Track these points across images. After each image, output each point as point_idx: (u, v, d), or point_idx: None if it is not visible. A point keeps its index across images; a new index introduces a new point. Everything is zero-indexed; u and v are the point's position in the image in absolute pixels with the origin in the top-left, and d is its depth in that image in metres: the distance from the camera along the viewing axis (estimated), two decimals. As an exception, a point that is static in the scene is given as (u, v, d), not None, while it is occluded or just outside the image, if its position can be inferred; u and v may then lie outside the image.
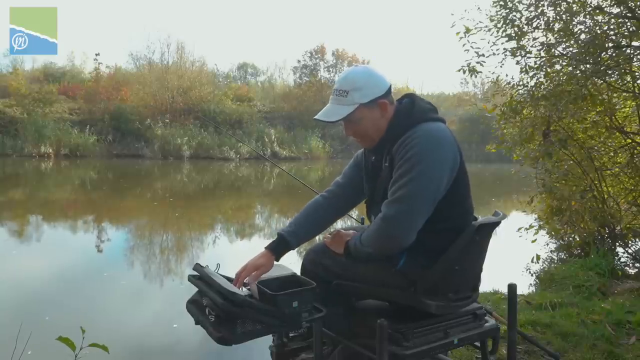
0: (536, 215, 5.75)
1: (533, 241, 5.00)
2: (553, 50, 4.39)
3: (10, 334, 2.15)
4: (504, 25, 4.51)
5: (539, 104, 4.47)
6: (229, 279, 1.70)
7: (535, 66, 4.54)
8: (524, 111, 4.73)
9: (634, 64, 4.07)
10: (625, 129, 4.45)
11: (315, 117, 1.67)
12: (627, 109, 4.56)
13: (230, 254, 5.94)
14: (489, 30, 4.64)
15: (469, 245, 1.59)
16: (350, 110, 1.59)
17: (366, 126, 1.63)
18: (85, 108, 21.65)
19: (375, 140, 1.66)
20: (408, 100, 1.68)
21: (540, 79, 4.63)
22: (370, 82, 1.61)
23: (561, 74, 4.49)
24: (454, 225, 1.58)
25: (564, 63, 4.42)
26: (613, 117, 4.36)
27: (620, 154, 4.63)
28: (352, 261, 1.76)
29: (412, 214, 1.48)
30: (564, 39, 4.30)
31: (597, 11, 4.07)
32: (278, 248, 1.76)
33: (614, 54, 3.95)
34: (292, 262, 1.98)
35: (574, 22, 4.18)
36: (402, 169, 1.50)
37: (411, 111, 1.61)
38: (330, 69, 29.23)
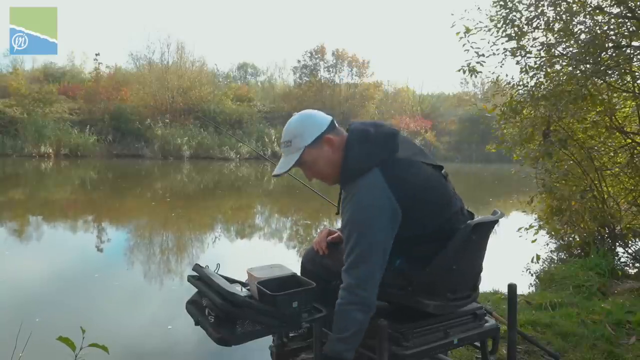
0: (536, 215, 5.75)
1: (533, 241, 5.00)
2: (553, 50, 4.38)
3: (10, 334, 2.14)
4: (504, 25, 4.51)
5: (539, 104, 4.47)
6: (228, 280, 1.70)
7: (535, 66, 4.54)
8: (524, 111, 4.73)
9: (634, 64, 4.07)
10: (625, 129, 4.45)
11: (273, 174, 1.75)
12: (627, 109, 4.56)
13: (230, 254, 5.94)
14: (489, 30, 4.64)
15: (466, 245, 1.59)
16: (297, 155, 1.63)
17: (320, 165, 1.66)
18: (85, 108, 21.68)
19: (336, 175, 1.66)
20: (347, 142, 1.63)
21: (540, 79, 4.62)
22: (307, 125, 1.65)
23: (561, 74, 4.49)
24: (443, 230, 1.60)
25: (564, 63, 4.42)
26: (613, 117, 4.36)
27: (620, 154, 4.62)
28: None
29: (368, 272, 1.51)
30: (564, 39, 4.29)
31: (597, 11, 4.07)
32: None
33: (614, 54, 3.95)
34: (292, 262, 1.98)
35: (574, 22, 4.18)
36: (345, 235, 1.56)
37: (346, 163, 1.60)
38: (330, 69, 29.26)
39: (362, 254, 1.50)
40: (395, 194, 1.52)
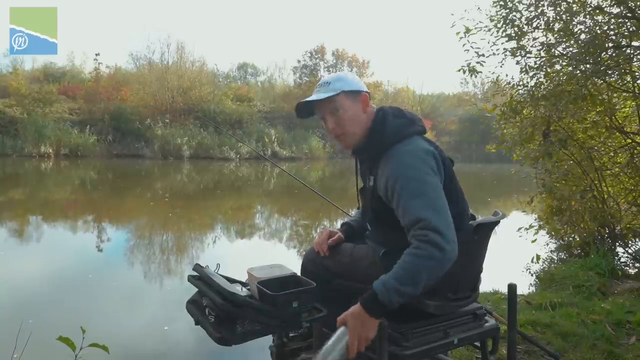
0: (536, 215, 5.75)
1: (533, 241, 5.00)
2: (553, 50, 4.38)
3: (9, 334, 2.14)
4: (504, 25, 4.51)
5: (539, 104, 4.47)
6: (228, 279, 1.70)
7: (535, 66, 4.54)
8: (524, 111, 4.73)
9: (634, 64, 4.07)
10: (625, 129, 4.45)
11: (300, 101, 1.68)
12: (627, 109, 4.56)
13: (231, 254, 5.94)
14: (489, 30, 4.64)
15: (468, 245, 1.59)
16: (331, 94, 1.59)
17: (347, 117, 1.61)
18: (85, 108, 21.68)
19: (355, 137, 1.64)
20: (380, 115, 1.65)
21: (540, 79, 4.62)
22: (353, 78, 1.68)
23: (561, 74, 4.49)
24: (455, 223, 1.58)
25: (564, 63, 4.42)
26: (613, 117, 4.36)
27: (620, 154, 4.62)
28: (352, 261, 1.76)
29: (448, 228, 1.40)
30: (564, 39, 4.29)
31: (597, 11, 4.07)
32: (347, 230, 1.91)
33: (614, 54, 3.95)
34: (292, 262, 1.98)
35: (574, 22, 4.18)
36: (404, 198, 1.45)
37: (383, 130, 1.60)
38: (330, 69, 29.28)
39: (426, 204, 1.40)
40: (441, 157, 1.56)
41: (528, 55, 4.52)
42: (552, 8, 4.29)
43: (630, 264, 4.64)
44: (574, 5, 4.15)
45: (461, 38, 4.70)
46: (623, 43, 3.90)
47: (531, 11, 4.40)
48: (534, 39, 4.54)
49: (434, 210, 1.41)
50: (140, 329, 3.36)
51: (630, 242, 4.79)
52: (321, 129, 24.56)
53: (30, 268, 4.86)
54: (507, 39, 4.52)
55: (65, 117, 20.80)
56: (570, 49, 4.28)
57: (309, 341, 1.95)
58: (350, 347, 1.39)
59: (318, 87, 1.66)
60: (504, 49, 4.58)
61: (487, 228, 1.68)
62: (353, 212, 2.23)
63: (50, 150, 18.34)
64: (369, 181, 1.67)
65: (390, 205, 1.54)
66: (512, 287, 1.86)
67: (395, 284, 1.36)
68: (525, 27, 4.46)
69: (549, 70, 4.50)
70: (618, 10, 3.98)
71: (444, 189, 1.52)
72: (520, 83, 4.81)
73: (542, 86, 4.57)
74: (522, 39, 4.49)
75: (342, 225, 1.97)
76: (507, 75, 5.04)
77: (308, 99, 1.65)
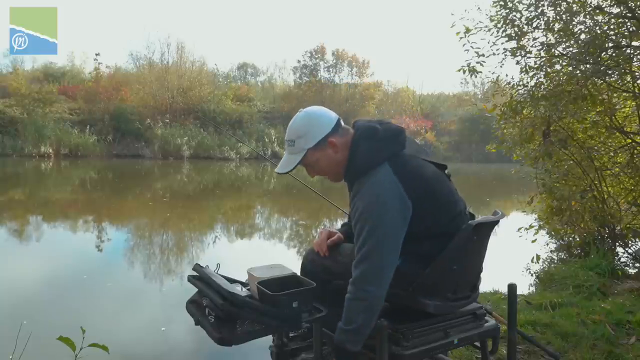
0: (536, 215, 5.75)
1: (533, 241, 5.00)
2: (553, 50, 4.38)
3: (9, 334, 2.14)
4: (504, 25, 4.51)
5: (539, 104, 4.47)
6: (228, 280, 1.70)
7: (535, 66, 4.54)
8: (524, 111, 4.73)
9: (634, 64, 4.07)
10: (625, 129, 4.45)
11: (275, 170, 1.77)
12: (627, 109, 4.56)
13: (231, 254, 5.94)
14: (489, 30, 4.64)
15: (467, 245, 1.59)
16: (300, 157, 1.66)
17: (323, 166, 1.69)
18: (85, 108, 21.66)
19: (339, 173, 1.70)
20: (354, 140, 1.65)
21: (540, 79, 4.62)
22: (311, 126, 1.66)
23: (561, 74, 4.49)
24: (447, 229, 1.60)
25: (564, 63, 4.42)
26: (613, 117, 4.36)
27: (620, 154, 4.62)
28: (351, 261, 1.76)
29: (377, 268, 1.51)
30: (564, 39, 4.29)
31: (597, 11, 4.07)
32: (347, 231, 1.91)
33: (614, 54, 3.95)
34: (292, 262, 1.98)
35: (574, 22, 4.18)
36: (357, 230, 1.56)
37: (355, 158, 1.62)
38: (330, 69, 29.28)
39: (372, 249, 1.51)
40: (405, 188, 1.54)
41: (528, 55, 4.52)
42: (552, 8, 4.29)
43: (630, 264, 4.64)
44: (574, 5, 4.14)
45: (461, 38, 4.70)
46: (623, 43, 3.90)
47: (531, 11, 4.40)
48: (534, 39, 4.54)
49: (370, 256, 1.51)
50: (140, 330, 3.35)
51: (630, 242, 4.79)
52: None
53: (29, 268, 4.86)
54: (507, 39, 4.52)
55: (65, 117, 20.79)
56: (570, 49, 4.28)
57: (309, 341, 1.95)
58: None
59: (286, 144, 1.72)
60: (504, 49, 4.58)
61: (487, 228, 1.68)
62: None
63: (50, 150, 18.33)
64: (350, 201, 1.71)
65: None
66: (512, 287, 1.86)
67: (342, 325, 1.55)
68: (525, 27, 4.46)
69: (549, 70, 4.50)
70: (618, 10, 3.98)
71: (422, 204, 1.54)
72: (520, 83, 4.81)
73: (542, 86, 4.57)
74: (522, 39, 4.49)
75: (343, 225, 1.98)
76: (507, 75, 5.05)
77: (280, 169, 1.73)
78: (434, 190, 1.61)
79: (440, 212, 1.61)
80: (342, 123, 1.70)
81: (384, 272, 1.52)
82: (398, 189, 1.53)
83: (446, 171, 1.74)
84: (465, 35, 4.68)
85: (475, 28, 4.67)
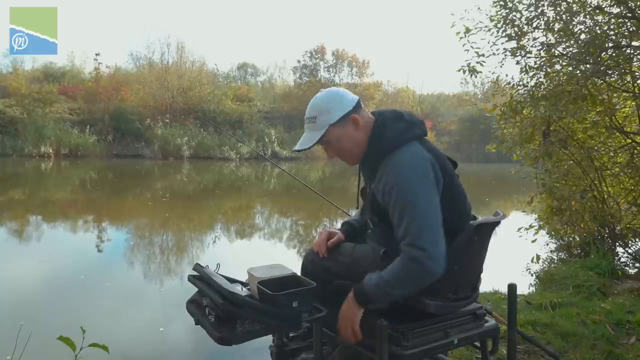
0: (536, 215, 5.75)
1: (533, 241, 5.00)
2: (553, 50, 4.38)
3: (8, 333, 2.14)
4: (504, 25, 4.51)
5: (539, 104, 4.47)
6: (229, 279, 1.70)
7: (535, 66, 4.54)
8: (524, 111, 4.73)
9: (634, 64, 4.07)
10: (625, 129, 4.45)
11: (294, 148, 1.71)
12: (627, 109, 4.56)
13: (231, 254, 5.94)
14: (489, 30, 4.64)
15: (468, 245, 1.59)
16: (322, 133, 1.62)
17: (344, 144, 1.65)
18: (85, 108, 21.67)
19: (358, 155, 1.67)
20: (380, 121, 1.65)
21: (540, 79, 4.62)
22: (334, 102, 1.64)
23: (561, 74, 4.49)
24: (452, 227, 1.59)
25: (564, 63, 4.42)
26: (613, 117, 4.36)
27: (620, 154, 4.62)
28: (352, 261, 1.76)
29: (437, 243, 1.46)
30: (564, 39, 4.29)
31: (597, 11, 4.07)
32: (347, 230, 1.92)
33: (614, 54, 3.95)
34: (292, 262, 1.98)
35: (574, 22, 4.18)
36: (398, 207, 1.50)
37: (382, 136, 1.61)
38: (330, 69, 29.33)
39: (421, 225, 1.45)
40: (438, 165, 1.55)
41: (528, 55, 4.52)
42: (552, 8, 4.29)
43: (630, 264, 4.64)
44: (574, 5, 4.15)
45: (461, 38, 4.71)
46: (623, 43, 3.90)
47: (531, 11, 4.40)
48: (534, 39, 4.54)
49: (422, 226, 1.46)
50: (140, 329, 3.35)
51: (630, 242, 4.79)
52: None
53: (29, 268, 4.86)
54: (507, 39, 4.52)
55: (65, 117, 20.80)
56: (570, 49, 4.28)
57: (309, 341, 1.95)
58: (338, 328, 1.60)
59: (307, 121, 1.67)
60: (504, 49, 4.59)
61: (488, 228, 1.68)
62: (353, 212, 2.24)
63: (50, 150, 18.33)
64: (370, 182, 1.68)
65: (388, 210, 1.56)
66: (512, 287, 1.86)
67: (382, 283, 1.50)
68: (525, 27, 4.46)
69: (549, 70, 4.50)
70: (618, 10, 3.98)
71: (444, 192, 1.54)
72: (520, 83, 4.81)
73: (542, 86, 4.58)
74: (522, 39, 4.49)
75: (343, 224, 1.97)
76: (507, 75, 5.05)
77: (299, 146, 1.67)
78: (454, 181, 1.63)
79: (455, 206, 1.61)
80: (362, 105, 1.69)
81: (441, 247, 1.46)
82: (432, 162, 1.55)
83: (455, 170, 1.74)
84: (465, 35, 4.68)
85: (475, 28, 4.67)
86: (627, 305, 3.23)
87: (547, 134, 4.58)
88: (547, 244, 5.72)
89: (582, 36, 4.14)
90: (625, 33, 3.93)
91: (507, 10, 4.47)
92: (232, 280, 1.73)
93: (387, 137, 1.59)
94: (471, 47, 4.70)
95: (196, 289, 1.70)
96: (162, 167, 17.82)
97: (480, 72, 4.78)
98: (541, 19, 4.36)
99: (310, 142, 1.64)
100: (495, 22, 4.59)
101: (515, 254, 5.11)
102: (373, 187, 1.64)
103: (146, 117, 21.45)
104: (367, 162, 1.67)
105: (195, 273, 1.72)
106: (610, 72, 4.04)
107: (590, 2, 4.16)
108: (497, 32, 4.57)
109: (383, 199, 1.55)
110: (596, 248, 4.46)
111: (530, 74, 4.61)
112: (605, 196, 4.62)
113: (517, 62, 4.60)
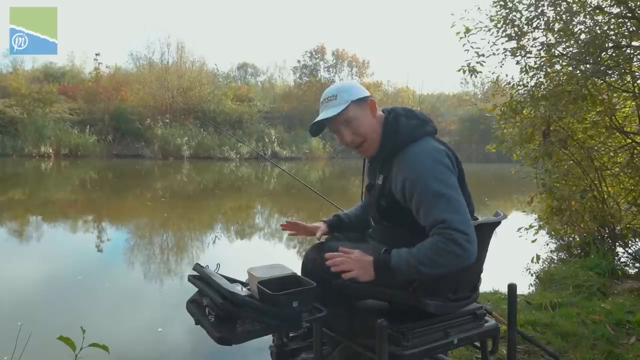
0: (536, 215, 5.75)
1: (533, 241, 5.00)
2: (553, 50, 4.38)
3: (7, 333, 2.14)
4: (504, 25, 4.51)
5: (539, 104, 4.47)
6: (229, 279, 1.70)
7: (535, 66, 4.54)
8: (524, 111, 4.73)
9: (634, 64, 4.07)
10: (625, 129, 4.45)
11: (315, 120, 1.68)
12: (627, 109, 4.56)
13: (231, 254, 5.94)
14: (489, 30, 4.64)
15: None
16: (343, 107, 1.61)
17: (362, 126, 1.64)
18: (85, 108, 21.68)
19: (374, 143, 1.66)
20: (392, 116, 1.67)
21: (540, 79, 4.62)
22: (353, 85, 1.70)
23: (561, 74, 4.49)
24: None
25: (564, 63, 4.42)
26: (613, 117, 4.36)
27: (620, 154, 4.62)
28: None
29: (468, 223, 1.46)
30: (564, 39, 4.29)
31: (597, 11, 4.07)
32: (332, 221, 1.95)
33: (614, 54, 3.95)
34: (292, 262, 1.98)
35: (574, 22, 4.18)
36: (427, 199, 1.47)
37: (396, 131, 1.62)
38: (330, 69, 29.33)
39: (447, 207, 1.44)
40: (451, 153, 1.58)
41: (528, 55, 4.52)
42: (552, 8, 4.29)
43: (630, 264, 4.64)
44: (574, 5, 4.15)
45: (461, 38, 4.71)
46: (623, 43, 3.90)
47: (531, 11, 4.41)
48: (534, 39, 4.54)
49: (455, 211, 1.45)
50: (140, 329, 3.35)
51: (630, 242, 4.79)
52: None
53: (29, 268, 4.85)
54: (507, 39, 4.52)
55: (65, 117, 20.81)
56: (570, 49, 4.28)
57: (309, 341, 1.95)
58: (337, 263, 1.55)
59: (325, 101, 1.66)
60: (504, 49, 4.59)
61: (488, 228, 1.68)
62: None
63: (50, 150, 18.34)
64: (378, 179, 1.69)
65: (406, 204, 1.56)
66: (512, 287, 1.86)
67: (412, 260, 1.45)
68: (525, 27, 4.46)
69: (549, 70, 4.50)
70: (618, 10, 3.98)
71: (460, 185, 1.56)
72: (520, 83, 4.81)
73: (542, 86, 4.58)
74: (522, 39, 4.49)
75: (334, 216, 1.99)
76: (507, 75, 5.06)
77: (321, 117, 1.64)
78: (464, 179, 1.64)
79: (467, 200, 1.60)
80: None
81: (471, 228, 1.45)
82: (448, 154, 1.57)
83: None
84: (465, 35, 4.68)
85: (475, 28, 4.67)
86: (627, 305, 3.23)
87: (547, 134, 4.58)
88: (547, 244, 5.72)
89: (582, 36, 4.14)
90: (625, 33, 3.93)
91: (507, 10, 4.47)
92: (232, 280, 1.73)
93: (401, 132, 1.61)
94: (471, 47, 4.71)
95: (196, 289, 1.70)
96: (162, 167, 17.81)
97: (480, 72, 4.79)
98: (541, 19, 4.36)
99: (332, 113, 1.61)
100: (495, 22, 4.59)
101: (515, 254, 5.11)
102: (381, 182, 1.65)
103: (146, 117, 21.46)
104: (379, 156, 1.67)
105: (195, 273, 1.72)
106: (610, 72, 4.04)
107: (590, 2, 4.16)
108: (497, 32, 4.58)
109: (403, 193, 1.55)
110: (596, 248, 4.46)
111: (530, 74, 4.61)
112: (605, 196, 4.62)
113: (517, 62, 4.61)
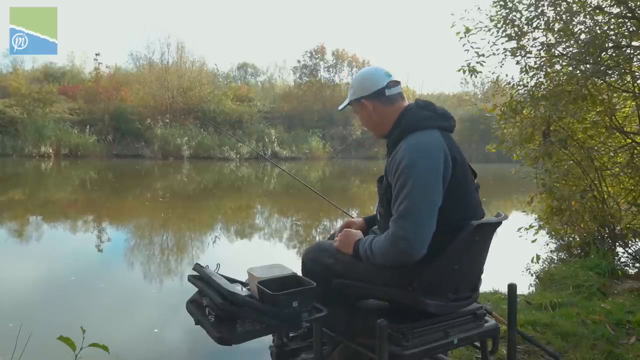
0: (536, 215, 5.75)
1: (533, 241, 5.00)
2: (553, 50, 4.38)
3: (9, 334, 2.14)
4: (504, 25, 4.51)
5: (539, 104, 4.47)
6: (229, 279, 1.70)
7: (535, 66, 4.54)
8: (524, 111, 4.73)
9: (634, 64, 4.07)
10: (625, 129, 4.45)
11: (340, 107, 2.02)
12: (627, 109, 4.56)
13: (231, 254, 5.94)
14: (489, 30, 4.64)
15: (469, 245, 1.59)
16: (345, 103, 1.89)
17: (363, 120, 1.84)
18: (85, 108, 21.66)
19: (376, 132, 1.82)
20: (409, 107, 1.74)
21: (540, 79, 4.62)
22: (359, 83, 1.80)
23: (561, 74, 4.49)
24: (456, 225, 1.58)
25: (564, 63, 4.42)
26: (613, 117, 4.36)
27: (620, 154, 4.62)
28: (352, 260, 1.76)
29: (418, 228, 1.51)
30: (564, 39, 4.30)
31: (597, 11, 4.07)
32: (369, 218, 2.02)
33: (614, 54, 3.95)
34: (292, 262, 1.98)
35: (574, 22, 4.18)
36: (398, 185, 1.56)
37: (402, 121, 1.69)
38: (330, 69, 29.26)
39: (413, 206, 1.52)
40: (451, 154, 1.59)
41: (528, 55, 4.52)
42: (552, 8, 4.29)
43: (630, 264, 4.64)
44: (574, 5, 4.15)
45: (461, 38, 4.71)
46: (623, 43, 3.90)
47: (531, 11, 4.41)
48: (534, 39, 4.54)
49: (409, 208, 1.52)
50: (140, 329, 3.35)
51: (630, 242, 4.79)
52: (322, 129, 24.63)
53: (29, 268, 4.86)
54: (507, 39, 4.52)
55: (65, 117, 20.79)
56: (570, 49, 4.28)
57: (309, 341, 1.95)
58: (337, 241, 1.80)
59: (349, 87, 1.87)
60: (504, 49, 4.59)
61: (489, 228, 1.68)
62: (353, 212, 2.25)
63: (50, 150, 18.33)
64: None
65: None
66: (512, 287, 1.86)
67: (369, 250, 1.63)
68: (525, 27, 4.46)
69: (549, 70, 4.50)
70: (618, 10, 3.98)
71: (450, 185, 1.56)
72: (520, 83, 4.81)
73: (542, 86, 4.58)
74: (522, 39, 4.49)
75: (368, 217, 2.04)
76: (507, 75, 5.05)
77: (341, 106, 2.00)
78: (466, 177, 1.65)
79: (461, 202, 1.62)
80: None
81: (425, 234, 1.52)
82: (445, 151, 1.59)
83: (476, 181, 1.78)
84: (465, 35, 4.68)
85: (475, 28, 4.67)
86: (627, 305, 3.23)
87: (547, 134, 4.59)
88: (547, 244, 5.72)
89: (582, 36, 4.14)
90: (625, 33, 3.93)
91: (507, 10, 4.47)
92: (232, 280, 1.73)
93: (407, 120, 1.67)
94: (471, 47, 4.71)
95: (196, 289, 1.70)
96: (162, 167, 17.81)
97: (480, 72, 4.79)
98: (541, 19, 4.36)
99: (341, 105, 1.95)
100: (495, 22, 4.59)
101: (515, 254, 5.11)
102: (385, 175, 1.69)
103: (146, 117, 21.44)
104: (388, 144, 1.76)
105: (195, 273, 1.72)
106: (610, 72, 4.04)
107: (590, 2, 4.16)
108: (497, 32, 4.58)
109: (392, 175, 1.61)
110: (596, 248, 4.46)
111: (530, 74, 4.61)
112: (605, 196, 4.62)
113: (517, 62, 4.61)
